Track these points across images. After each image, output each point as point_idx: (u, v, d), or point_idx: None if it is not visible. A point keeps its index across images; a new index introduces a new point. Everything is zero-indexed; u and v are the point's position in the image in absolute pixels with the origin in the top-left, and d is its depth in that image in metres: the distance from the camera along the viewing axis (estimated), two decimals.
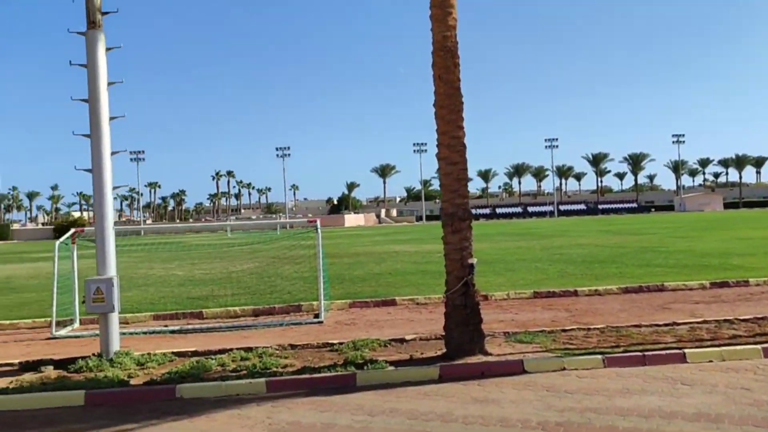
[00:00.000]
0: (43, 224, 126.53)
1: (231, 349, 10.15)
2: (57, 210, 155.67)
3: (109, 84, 9.92)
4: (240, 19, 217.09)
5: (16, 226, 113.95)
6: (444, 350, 9.27)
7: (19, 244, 79.45)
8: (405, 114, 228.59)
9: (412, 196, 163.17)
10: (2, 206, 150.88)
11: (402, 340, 10.40)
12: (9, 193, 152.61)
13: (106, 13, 9.91)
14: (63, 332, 13.17)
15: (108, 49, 9.91)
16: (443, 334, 9.41)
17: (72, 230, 13.94)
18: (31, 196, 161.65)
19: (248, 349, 10.11)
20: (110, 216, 10.04)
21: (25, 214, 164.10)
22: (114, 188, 10.08)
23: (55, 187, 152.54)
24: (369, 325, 12.56)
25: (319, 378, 8.34)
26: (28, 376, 9.06)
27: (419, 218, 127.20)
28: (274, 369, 8.96)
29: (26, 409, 7.73)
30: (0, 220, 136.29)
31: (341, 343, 10.24)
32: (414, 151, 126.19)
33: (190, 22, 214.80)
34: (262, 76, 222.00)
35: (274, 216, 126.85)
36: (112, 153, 9.97)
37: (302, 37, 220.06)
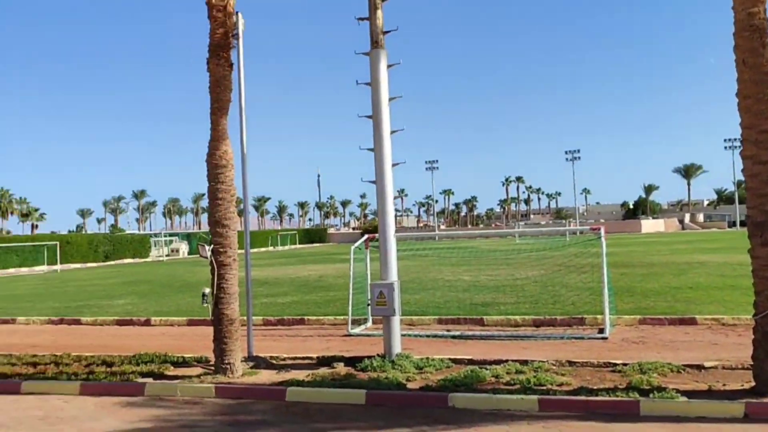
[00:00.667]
0: (353, 229, 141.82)
1: (506, 361, 9.93)
2: (365, 216, 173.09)
3: (391, 99, 10.48)
4: (511, 23, 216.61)
5: (331, 230, 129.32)
6: (752, 384, 7.83)
7: (334, 246, 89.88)
8: (713, 106, 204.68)
9: (723, 198, 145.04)
10: (322, 212, 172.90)
11: (700, 367, 9.09)
12: (327, 201, 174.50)
13: (388, 32, 10.49)
14: (357, 330, 14.32)
15: (389, 66, 10.47)
16: (752, 364, 7.96)
17: (365, 236, 15.12)
18: (345, 204, 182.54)
19: (524, 362, 9.78)
20: (392, 224, 10.58)
21: (340, 219, 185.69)
22: (395, 197, 10.61)
23: (363, 196, 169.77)
24: (661, 346, 11.29)
25: (596, 402, 7.66)
26: (322, 371, 9.96)
27: (731, 224, 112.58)
28: (549, 386, 8.50)
29: (316, 402, 8.48)
30: (321, 225, 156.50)
31: (625, 364, 9.33)
32: (725, 147, 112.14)
33: (464, 31, 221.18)
34: (549, 78, 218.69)
35: (563, 222, 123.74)
36: (393, 165, 10.49)
37: (588, 38, 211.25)
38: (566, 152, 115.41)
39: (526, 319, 14.54)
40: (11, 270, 49.59)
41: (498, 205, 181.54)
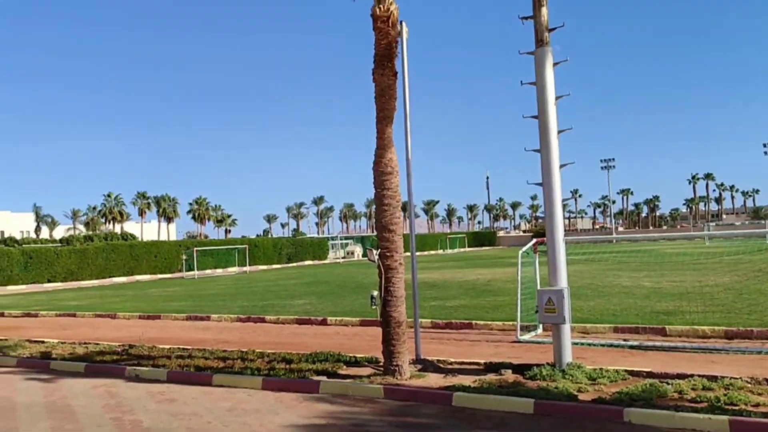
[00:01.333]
0: (524, 231, 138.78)
1: (692, 375, 9.12)
2: (536, 218, 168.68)
3: (557, 98, 10.09)
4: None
5: (501, 233, 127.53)
6: None
7: (503, 249, 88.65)
8: None
9: None
10: (491, 215, 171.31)
11: None
12: (496, 203, 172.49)
13: (553, 29, 10.12)
14: (526, 337, 13.95)
15: (555, 64, 10.09)
16: None
17: (533, 240, 14.70)
18: (515, 206, 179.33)
19: (712, 378, 8.92)
20: (560, 228, 10.17)
21: (510, 222, 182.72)
22: (564, 200, 10.18)
23: (533, 197, 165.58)
24: None
25: None
26: (490, 377, 9.82)
27: None
28: (742, 406, 7.66)
29: (482, 409, 8.37)
30: (490, 228, 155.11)
31: None
32: None
33: (637, 18, 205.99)
34: (741, 64, 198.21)
35: (762, 222, 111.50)
36: (561, 166, 10.09)
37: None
38: (765, 144, 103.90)
39: (716, 330, 13.26)
40: (208, 270, 54.74)
41: (684, 204, 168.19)
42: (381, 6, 9.97)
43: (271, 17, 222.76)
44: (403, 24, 10.69)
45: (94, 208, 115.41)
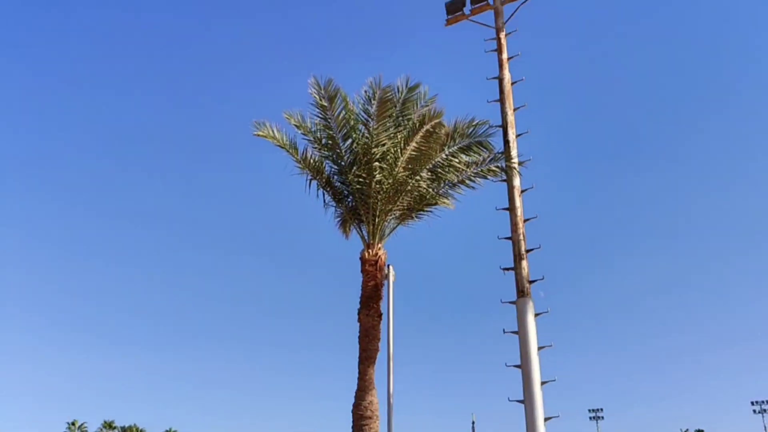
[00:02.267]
0: None
1: None
2: None
3: (540, 348, 10.16)
4: None
5: None
6: None
7: None
8: None
9: None
10: None
11: None
12: None
13: (533, 281, 10.54)
14: None
15: (537, 315, 10.33)
16: None
17: None
18: None
19: None
20: None
21: None
22: None
23: None
24: None
25: None
26: None
27: None
28: None
29: None
30: None
31: None
32: None
33: None
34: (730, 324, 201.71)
35: None
36: (546, 419, 9.81)
37: None
38: (752, 403, 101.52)
39: None
40: None
41: None
42: (369, 251, 10.48)
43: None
44: (391, 268, 11.10)
45: None
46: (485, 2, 13.13)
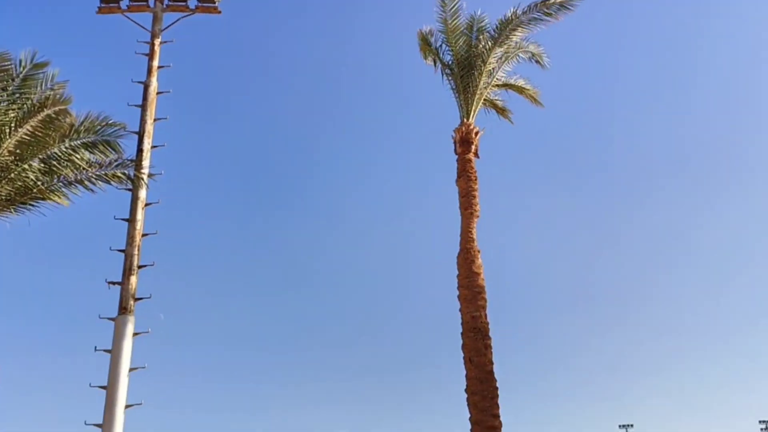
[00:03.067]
0: None
1: None
2: None
3: (131, 370, 9.66)
4: None
5: None
6: None
7: None
8: None
9: None
10: None
11: None
12: None
13: (139, 299, 10.08)
14: None
15: (135, 334, 9.85)
16: None
17: None
18: None
19: None
20: None
21: None
22: None
23: None
24: None
25: None
26: None
27: None
28: None
29: None
30: None
31: None
32: None
33: None
34: None
35: None
36: None
37: None
38: (760, 422, 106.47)
39: None
40: None
41: None
42: None
43: None
44: None
45: None
46: (144, 3, 12.49)
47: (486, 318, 8.60)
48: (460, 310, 8.73)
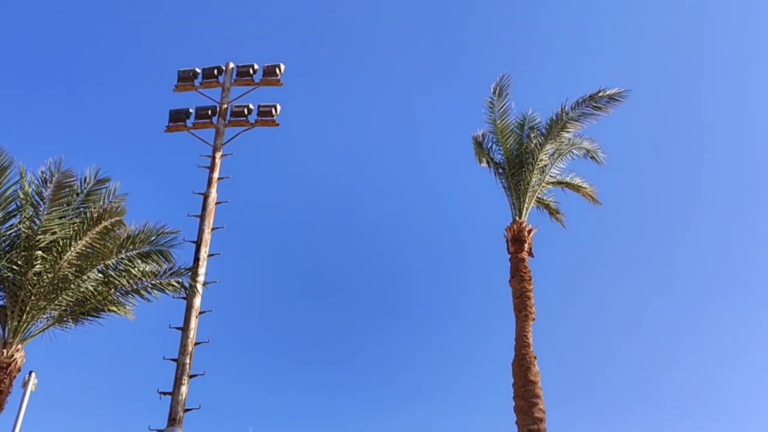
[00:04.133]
0: None
1: None
2: None
3: None
4: None
5: None
6: None
7: None
8: None
9: None
10: None
11: None
12: None
13: (189, 409, 9.94)
14: None
15: None
16: None
17: None
18: None
19: None
20: None
21: None
22: None
23: None
24: None
25: None
26: None
27: None
28: None
29: None
30: None
31: None
32: None
33: None
34: None
35: None
36: None
37: None
38: None
39: None
40: None
41: None
42: (5, 350, 9.06)
43: None
44: (33, 374, 9.69)
45: None
46: (209, 120, 13.24)
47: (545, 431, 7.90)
48: (516, 422, 8.07)
